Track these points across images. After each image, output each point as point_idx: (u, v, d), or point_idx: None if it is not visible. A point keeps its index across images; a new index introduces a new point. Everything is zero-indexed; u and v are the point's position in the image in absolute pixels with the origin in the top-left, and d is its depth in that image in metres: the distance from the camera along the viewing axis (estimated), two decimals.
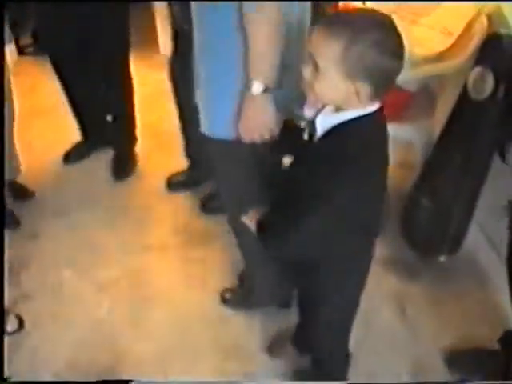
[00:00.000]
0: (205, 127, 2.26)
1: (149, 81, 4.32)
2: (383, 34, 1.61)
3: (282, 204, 1.93)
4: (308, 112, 1.87)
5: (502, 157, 2.40)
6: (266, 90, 1.99)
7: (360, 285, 2.10)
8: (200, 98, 2.26)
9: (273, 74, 1.99)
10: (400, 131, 2.94)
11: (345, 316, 2.22)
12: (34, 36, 5.18)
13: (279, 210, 1.94)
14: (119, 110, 3.81)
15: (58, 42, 3.46)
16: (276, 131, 2.09)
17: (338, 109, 1.74)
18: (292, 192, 1.87)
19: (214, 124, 2.23)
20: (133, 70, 3.65)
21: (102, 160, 3.93)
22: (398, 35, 1.62)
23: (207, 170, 3.17)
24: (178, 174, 3.70)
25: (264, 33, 1.91)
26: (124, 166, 3.87)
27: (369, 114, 1.71)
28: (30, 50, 5.21)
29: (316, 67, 1.66)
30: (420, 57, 2.64)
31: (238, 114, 2.07)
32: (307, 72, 1.70)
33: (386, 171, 1.82)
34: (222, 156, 2.32)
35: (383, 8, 2.63)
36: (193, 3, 2.10)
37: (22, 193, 3.61)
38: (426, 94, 3.11)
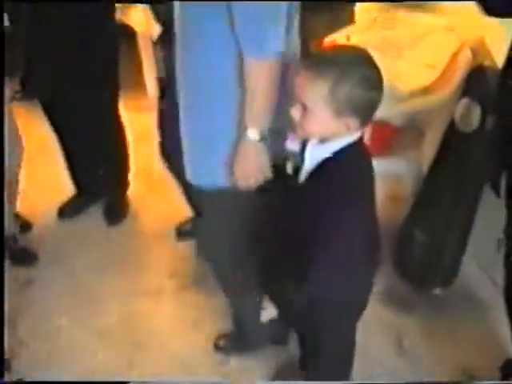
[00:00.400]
0: (190, 176, 2.27)
1: (138, 123, 4.32)
2: (367, 69, 1.66)
3: (279, 260, 1.96)
4: (291, 145, 1.89)
5: (495, 190, 2.41)
6: (261, 138, 2.00)
7: (360, 312, 2.12)
8: (186, 150, 2.26)
9: (267, 123, 2.00)
10: (389, 165, 2.96)
11: (347, 343, 2.23)
12: (23, 82, 5.18)
13: (280, 267, 1.96)
14: (112, 158, 3.78)
15: (47, 88, 3.47)
16: (269, 175, 2.11)
17: (322, 140, 1.77)
18: (287, 242, 1.89)
19: (199, 173, 2.23)
20: (122, 113, 3.65)
21: (96, 205, 3.92)
22: (377, 68, 1.68)
23: None
24: (185, 222, 3.63)
25: (264, 83, 1.93)
26: (117, 211, 3.85)
27: (354, 143, 1.75)
28: (19, 96, 5.20)
29: (304, 107, 1.69)
30: (406, 91, 2.66)
31: (233, 160, 2.07)
32: (296, 112, 1.73)
33: (374, 192, 1.84)
34: (210, 204, 2.33)
35: (368, 43, 2.69)
36: (178, 50, 2.12)
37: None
38: (414, 127, 3.13)
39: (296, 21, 2.14)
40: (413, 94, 2.69)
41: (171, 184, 3.36)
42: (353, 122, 1.69)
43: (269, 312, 2.08)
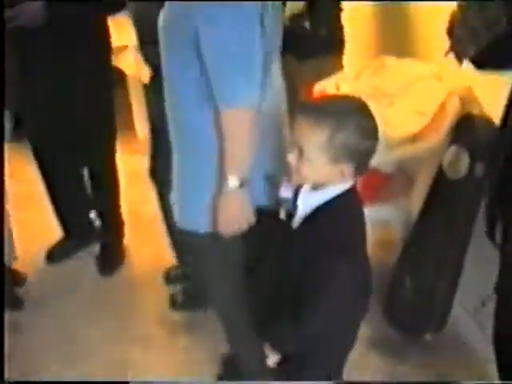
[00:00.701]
0: (179, 220, 2.27)
1: (128, 165, 4.32)
2: (363, 118, 1.71)
3: (276, 303, 1.96)
4: (285, 193, 1.92)
5: (491, 237, 2.41)
6: (241, 185, 2.01)
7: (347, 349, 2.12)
8: (174, 190, 2.28)
9: (248, 169, 2.01)
10: (379, 212, 2.97)
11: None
12: (14, 122, 5.14)
13: (277, 311, 1.97)
14: (105, 204, 3.78)
15: (38, 129, 3.47)
16: (253, 221, 2.12)
17: (315, 186, 1.81)
18: (283, 286, 1.90)
19: (189, 216, 2.25)
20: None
21: (85, 249, 3.90)
22: (373, 116, 1.72)
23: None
24: (173, 267, 3.60)
25: (240, 131, 1.95)
26: (110, 262, 3.78)
27: (347, 190, 1.79)
28: (9, 136, 5.17)
29: (301, 153, 1.73)
30: (396, 139, 2.68)
31: (215, 208, 2.09)
32: (292, 158, 1.77)
33: (366, 239, 1.87)
34: (200, 248, 2.33)
35: (358, 91, 2.72)
36: (166, 95, 2.15)
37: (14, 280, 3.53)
38: (403, 173, 3.15)
39: (275, 68, 2.17)
40: (402, 141, 2.72)
41: (160, 228, 3.36)
42: (348, 169, 1.73)
43: (272, 358, 2.07)
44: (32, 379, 2.97)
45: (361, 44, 3.75)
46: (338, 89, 2.89)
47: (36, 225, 4.09)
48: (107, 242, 3.84)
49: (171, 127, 2.19)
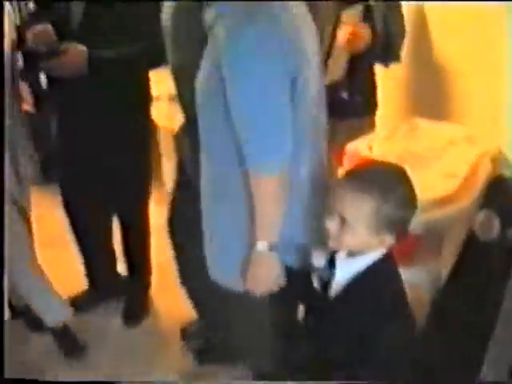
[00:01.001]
0: (214, 276, 2.29)
1: (154, 216, 4.34)
2: (406, 189, 1.74)
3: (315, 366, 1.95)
4: (317, 261, 1.92)
5: None
6: (271, 249, 2.03)
7: None
8: (207, 244, 2.29)
9: (277, 234, 2.03)
10: (408, 273, 2.94)
11: None
12: (43, 166, 5.15)
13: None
14: (134, 255, 3.77)
15: (73, 176, 3.46)
16: (283, 283, 2.13)
17: (352, 253, 1.81)
18: (312, 353, 1.90)
19: (220, 272, 2.27)
20: None
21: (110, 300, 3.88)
22: (414, 186, 1.74)
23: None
24: (190, 323, 3.56)
25: (270, 196, 1.96)
26: (136, 314, 3.76)
27: (384, 255, 1.80)
28: (38, 180, 5.18)
29: (343, 221, 1.74)
30: (426, 201, 2.67)
31: (244, 270, 2.11)
32: (333, 225, 1.78)
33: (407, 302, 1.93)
34: (232, 305, 2.34)
35: (390, 153, 2.73)
36: (201, 152, 2.17)
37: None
38: (433, 235, 3.13)
39: (316, 133, 2.18)
40: (433, 204, 2.71)
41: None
42: (389, 238, 1.75)
43: None
44: None
45: (393, 104, 3.77)
46: (370, 149, 2.90)
47: (63, 273, 4.10)
48: (133, 295, 3.82)
49: (203, 182, 2.21)
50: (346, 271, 1.84)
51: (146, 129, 3.51)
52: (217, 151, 2.08)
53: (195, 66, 2.13)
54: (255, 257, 2.05)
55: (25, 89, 3.38)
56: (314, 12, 2.18)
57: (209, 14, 2.05)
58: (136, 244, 3.73)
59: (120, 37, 3.02)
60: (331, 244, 1.85)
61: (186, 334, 3.54)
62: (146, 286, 3.84)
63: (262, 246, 2.02)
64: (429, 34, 3.53)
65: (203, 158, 2.17)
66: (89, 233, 3.69)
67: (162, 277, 3.98)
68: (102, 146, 3.27)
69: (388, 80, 3.53)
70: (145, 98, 3.45)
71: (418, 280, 3.08)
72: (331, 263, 1.89)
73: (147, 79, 3.42)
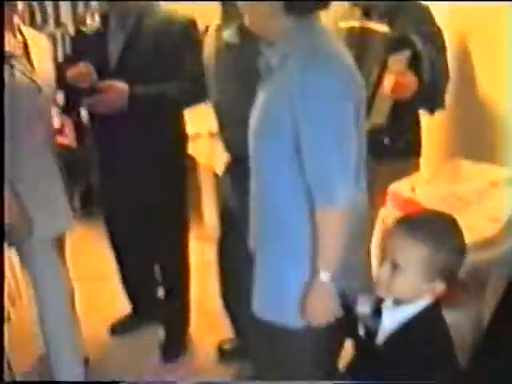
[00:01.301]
0: (259, 310, 2.31)
1: (195, 253, 4.36)
2: (459, 238, 1.77)
3: None
4: (362, 308, 1.93)
5: None
6: (332, 279, 2.06)
7: None
8: (257, 282, 2.31)
9: (338, 262, 2.07)
10: (449, 317, 2.92)
11: None
12: (84, 199, 5.22)
13: None
14: (173, 284, 3.81)
15: (114, 213, 3.53)
16: (339, 314, 2.15)
17: (398, 301, 1.81)
18: None
19: (271, 310, 2.28)
20: None
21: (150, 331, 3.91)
22: (463, 235, 1.76)
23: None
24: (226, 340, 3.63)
25: (336, 228, 2.01)
26: (174, 349, 3.80)
27: (431, 303, 1.79)
28: (78, 213, 5.25)
29: (395, 267, 1.75)
30: (470, 244, 2.66)
31: (304, 301, 2.13)
32: (385, 271, 1.79)
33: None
34: (282, 342, 2.34)
35: (433, 195, 2.72)
36: (256, 192, 2.19)
37: None
38: (474, 279, 3.11)
39: (363, 171, 2.20)
40: (475, 247, 2.69)
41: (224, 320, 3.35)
42: (439, 285, 1.76)
43: None
44: None
45: (436, 146, 3.77)
46: (413, 191, 2.90)
47: (104, 298, 4.13)
48: (172, 327, 3.84)
49: (259, 220, 2.23)
50: (393, 319, 1.84)
51: (184, 167, 3.58)
52: (280, 189, 2.11)
53: (243, 104, 2.16)
54: (317, 287, 2.09)
55: (67, 123, 3.46)
56: (361, 55, 2.20)
57: (271, 54, 2.08)
58: (176, 280, 3.77)
59: (159, 73, 3.08)
60: (380, 292, 1.86)
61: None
62: (185, 321, 3.89)
63: (325, 276, 2.06)
64: (472, 76, 3.53)
65: (260, 198, 2.20)
66: (131, 267, 3.85)
67: (200, 315, 4.01)
68: (140, 184, 3.36)
69: (431, 121, 3.52)
70: (182, 135, 3.50)
71: (458, 322, 3.04)
72: (377, 311, 1.90)
73: (183, 115, 3.48)
